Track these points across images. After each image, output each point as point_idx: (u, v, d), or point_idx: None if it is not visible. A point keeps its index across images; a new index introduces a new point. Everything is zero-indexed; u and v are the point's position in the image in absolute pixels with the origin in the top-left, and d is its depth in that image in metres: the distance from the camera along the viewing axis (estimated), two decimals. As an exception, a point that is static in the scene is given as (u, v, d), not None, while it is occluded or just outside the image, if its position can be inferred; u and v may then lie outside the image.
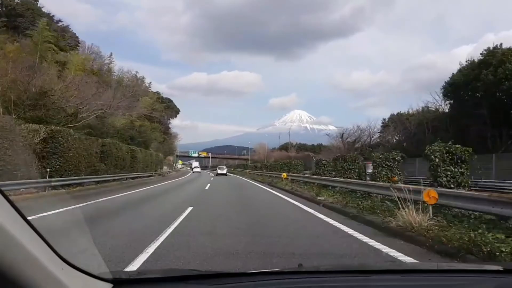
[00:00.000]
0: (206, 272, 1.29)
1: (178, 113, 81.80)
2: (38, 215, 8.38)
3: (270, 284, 1.18)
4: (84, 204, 11.33)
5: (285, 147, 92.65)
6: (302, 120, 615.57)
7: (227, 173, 50.36)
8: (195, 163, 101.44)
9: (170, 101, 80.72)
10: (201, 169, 72.55)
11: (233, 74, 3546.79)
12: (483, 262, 4.25)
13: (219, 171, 49.36)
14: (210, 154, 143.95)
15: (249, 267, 4.34)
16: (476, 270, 1.43)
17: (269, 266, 4.35)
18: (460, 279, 1.29)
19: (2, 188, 0.67)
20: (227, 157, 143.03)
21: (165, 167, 35.31)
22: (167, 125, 73.64)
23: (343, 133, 55.05)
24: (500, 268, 1.34)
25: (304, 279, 1.28)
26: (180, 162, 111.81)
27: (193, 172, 62.78)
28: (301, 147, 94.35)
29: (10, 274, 0.67)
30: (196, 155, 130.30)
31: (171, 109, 77.19)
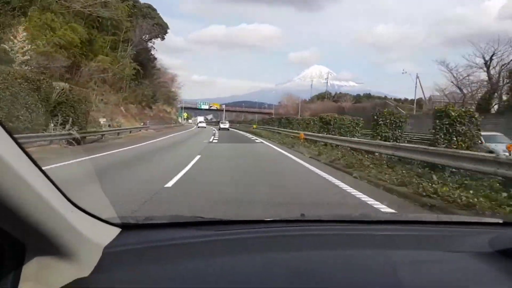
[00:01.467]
0: (211, 219, 1.31)
1: (167, 31, 51.74)
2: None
3: (273, 231, 1.20)
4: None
5: (323, 98, 77.16)
6: (322, 76, 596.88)
7: (229, 128, 54.44)
8: (200, 118, 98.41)
9: (151, 9, 48.96)
10: (215, 126, 67.67)
11: (252, 27, 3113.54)
12: (483, 215, 4.55)
13: (221, 126, 54.18)
14: (224, 106, 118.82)
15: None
16: (476, 223, 1.47)
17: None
18: (460, 230, 1.32)
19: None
20: (246, 110, 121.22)
21: (103, 120, 24.84)
22: (146, 48, 48.82)
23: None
24: (500, 221, 1.38)
25: (306, 227, 1.30)
26: (185, 115, 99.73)
27: (198, 127, 63.05)
28: (358, 100, 73.96)
29: (20, 214, 0.68)
30: (206, 107, 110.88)
31: (151, 20, 45.78)
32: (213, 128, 55.70)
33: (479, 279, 0.89)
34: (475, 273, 0.92)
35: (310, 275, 0.88)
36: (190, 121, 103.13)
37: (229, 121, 66.32)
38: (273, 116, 73.43)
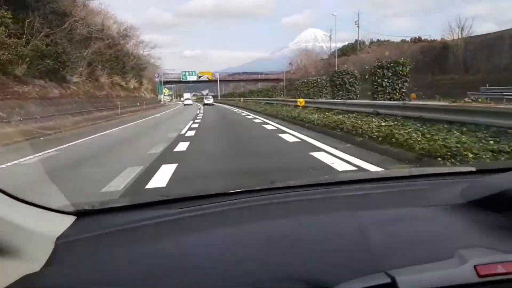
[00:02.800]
0: (173, 196, 1.25)
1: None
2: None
3: (239, 203, 1.17)
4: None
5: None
6: (317, 39, 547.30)
7: (214, 103, 54.93)
8: (186, 95, 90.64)
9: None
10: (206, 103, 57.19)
11: None
12: (456, 165, 4.46)
13: (205, 101, 55.03)
14: (217, 76, 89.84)
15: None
16: (449, 173, 1.46)
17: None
18: (433, 183, 1.31)
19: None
20: (245, 79, 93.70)
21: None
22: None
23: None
24: (473, 169, 1.38)
25: (273, 195, 1.25)
26: (166, 91, 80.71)
27: (184, 105, 59.18)
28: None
29: None
30: (194, 78, 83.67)
31: None
32: (199, 105, 51.57)
33: (450, 233, 0.87)
34: (446, 226, 0.90)
35: (277, 243, 0.87)
36: (182, 99, 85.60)
37: (224, 96, 66.01)
38: (284, 82, 59.30)
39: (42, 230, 0.86)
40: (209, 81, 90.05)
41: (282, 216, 1.04)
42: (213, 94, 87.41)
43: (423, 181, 1.34)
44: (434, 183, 1.29)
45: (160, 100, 71.27)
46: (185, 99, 69.08)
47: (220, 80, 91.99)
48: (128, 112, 33.39)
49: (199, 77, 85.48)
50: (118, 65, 41.38)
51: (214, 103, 54.19)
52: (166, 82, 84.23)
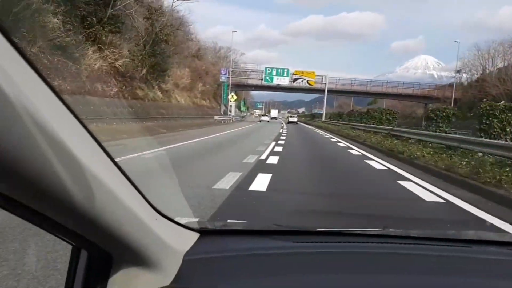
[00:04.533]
0: (289, 228, 1.30)
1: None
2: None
3: (354, 247, 1.14)
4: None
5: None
6: (428, 67, 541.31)
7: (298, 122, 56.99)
8: (273, 112, 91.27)
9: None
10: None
11: (353, 15, 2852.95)
12: None
13: (290, 119, 57.13)
14: (326, 82, 55.32)
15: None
16: None
17: None
18: None
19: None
20: (373, 92, 57.72)
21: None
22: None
23: None
24: None
25: (390, 244, 1.18)
26: (232, 98, 51.88)
27: (260, 121, 54.08)
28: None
29: (107, 226, 0.68)
30: (285, 81, 51.08)
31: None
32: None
33: None
34: None
35: None
36: (255, 114, 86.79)
37: (335, 114, 49.84)
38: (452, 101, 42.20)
39: (176, 245, 0.90)
40: (309, 89, 57.13)
41: (401, 270, 0.97)
42: (320, 112, 71.75)
43: None
44: None
45: (227, 113, 48.98)
46: (262, 115, 62.21)
47: (330, 90, 56.73)
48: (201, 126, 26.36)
49: (294, 79, 54.17)
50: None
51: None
52: (237, 86, 56.63)
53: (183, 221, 1.05)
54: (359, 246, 1.13)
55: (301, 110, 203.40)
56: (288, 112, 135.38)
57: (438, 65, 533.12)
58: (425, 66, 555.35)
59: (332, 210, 4.79)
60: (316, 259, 1.01)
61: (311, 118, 76.57)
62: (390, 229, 1.33)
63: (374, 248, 1.12)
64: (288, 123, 52.68)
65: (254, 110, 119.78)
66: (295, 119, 57.58)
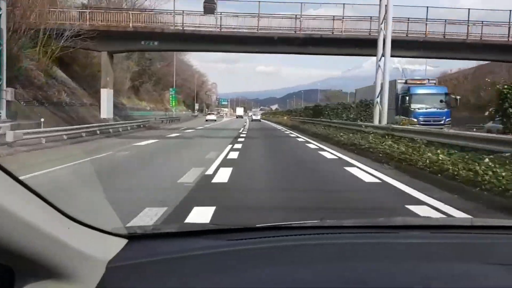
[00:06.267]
0: (224, 226, 1.26)
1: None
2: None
3: (290, 240, 1.14)
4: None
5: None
6: (393, 60, 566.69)
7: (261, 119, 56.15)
8: (239, 110, 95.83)
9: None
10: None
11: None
12: None
13: (253, 117, 57.68)
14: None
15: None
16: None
17: None
18: (496, 236, 1.23)
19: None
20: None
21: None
22: None
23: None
24: None
25: (326, 235, 1.22)
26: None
27: (207, 121, 50.20)
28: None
29: (8, 246, 0.64)
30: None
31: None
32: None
33: None
34: None
35: None
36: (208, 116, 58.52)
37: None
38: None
39: (96, 253, 0.85)
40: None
41: (336, 260, 1.00)
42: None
43: (486, 233, 1.27)
44: (497, 236, 1.23)
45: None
46: (209, 115, 57.32)
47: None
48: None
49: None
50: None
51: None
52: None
53: (109, 227, 0.99)
54: (295, 239, 1.14)
55: (274, 107, 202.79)
56: (260, 110, 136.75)
57: (403, 58, 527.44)
58: (391, 60, 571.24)
59: (279, 205, 4.94)
60: (250, 255, 1.01)
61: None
62: (327, 220, 1.43)
63: (310, 240, 1.14)
64: (252, 121, 52.12)
65: (222, 109, 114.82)
66: (258, 117, 58.43)
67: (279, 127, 35.82)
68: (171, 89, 51.44)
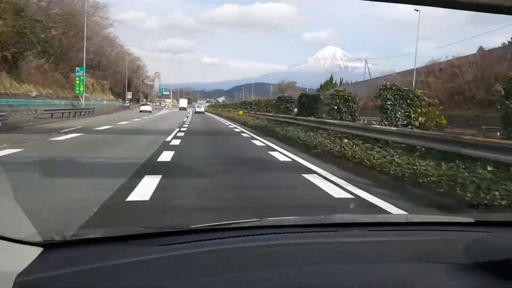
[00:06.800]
0: (154, 229, 1.22)
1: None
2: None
3: (228, 242, 1.05)
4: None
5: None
6: (335, 57, 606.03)
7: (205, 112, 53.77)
8: (182, 101, 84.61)
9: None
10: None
11: (266, 6, 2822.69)
12: (455, 213, 4.31)
13: (197, 109, 56.12)
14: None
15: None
16: (448, 223, 1.42)
17: None
18: (430, 233, 1.25)
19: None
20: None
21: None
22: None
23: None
24: (472, 220, 1.31)
25: (265, 236, 1.15)
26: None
27: (141, 112, 46.21)
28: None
29: None
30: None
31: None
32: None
33: None
34: None
35: None
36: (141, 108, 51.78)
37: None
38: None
39: (2, 266, 0.76)
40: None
41: (278, 263, 0.94)
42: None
43: (421, 229, 1.30)
44: (432, 233, 1.24)
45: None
46: (142, 105, 53.57)
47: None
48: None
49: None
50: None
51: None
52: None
53: (20, 236, 0.88)
54: (232, 241, 1.05)
55: (221, 99, 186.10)
56: (207, 101, 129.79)
57: (344, 56, 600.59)
58: (333, 57, 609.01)
59: (223, 205, 4.61)
60: (180, 262, 0.91)
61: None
62: (268, 219, 1.39)
63: (248, 241, 1.07)
64: (195, 113, 48.54)
65: (164, 99, 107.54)
66: (202, 109, 54.88)
67: (237, 129, 20.99)
68: (78, 68, 37.95)
